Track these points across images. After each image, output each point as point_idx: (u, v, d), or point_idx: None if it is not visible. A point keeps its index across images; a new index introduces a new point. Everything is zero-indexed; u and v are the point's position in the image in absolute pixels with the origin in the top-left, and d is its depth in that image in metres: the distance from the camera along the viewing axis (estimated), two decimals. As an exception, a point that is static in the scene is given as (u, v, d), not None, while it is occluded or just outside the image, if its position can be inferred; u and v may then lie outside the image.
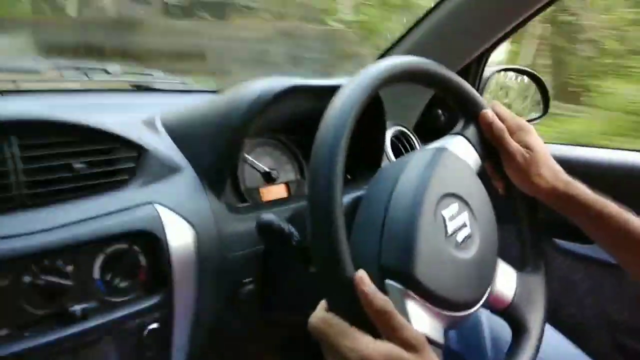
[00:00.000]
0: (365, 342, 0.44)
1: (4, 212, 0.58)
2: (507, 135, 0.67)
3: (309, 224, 0.49)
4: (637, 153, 1.06)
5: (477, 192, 0.64)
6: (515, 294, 0.65)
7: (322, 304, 0.50)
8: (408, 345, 0.44)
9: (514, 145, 0.67)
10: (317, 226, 0.48)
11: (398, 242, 0.54)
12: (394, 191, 0.58)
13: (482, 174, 0.68)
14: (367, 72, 0.57)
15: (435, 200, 0.58)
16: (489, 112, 0.68)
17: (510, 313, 0.66)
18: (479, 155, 0.69)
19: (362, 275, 0.47)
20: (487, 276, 0.62)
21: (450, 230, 0.58)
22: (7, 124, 0.59)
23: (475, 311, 0.59)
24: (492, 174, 0.73)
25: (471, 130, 0.70)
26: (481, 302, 0.60)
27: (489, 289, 0.62)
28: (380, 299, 0.46)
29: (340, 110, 0.52)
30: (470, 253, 0.59)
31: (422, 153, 0.64)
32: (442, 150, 0.65)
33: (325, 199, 0.48)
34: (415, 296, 0.52)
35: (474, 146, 0.69)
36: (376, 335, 0.46)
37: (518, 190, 0.71)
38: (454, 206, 0.60)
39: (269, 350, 1.07)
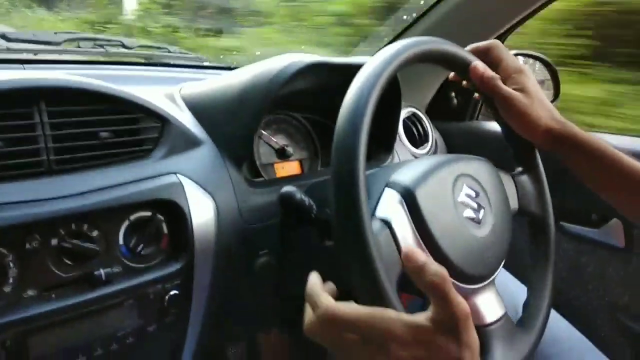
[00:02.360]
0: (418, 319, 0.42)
1: (32, 177, 0.60)
2: (499, 83, 0.66)
3: (333, 204, 0.50)
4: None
5: (502, 199, 0.66)
6: (493, 322, 0.62)
7: (323, 291, 0.49)
8: (459, 318, 0.41)
9: (507, 91, 0.66)
10: (341, 212, 0.49)
11: (412, 171, 0.58)
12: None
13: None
14: (390, 50, 0.58)
15: (460, 172, 0.62)
16: (478, 65, 0.66)
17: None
18: (518, 202, 0.71)
19: (408, 251, 0.44)
20: (477, 266, 0.60)
21: (463, 199, 0.60)
22: (37, 90, 0.60)
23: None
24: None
25: (523, 179, 0.73)
26: (456, 286, 0.56)
27: (473, 285, 0.60)
28: (435, 264, 0.43)
29: (364, 87, 0.53)
30: (476, 231, 0.60)
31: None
32: (487, 161, 0.68)
33: (349, 180, 0.49)
34: (407, 210, 0.55)
35: (518, 192, 0.71)
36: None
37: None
38: (477, 190, 0.63)
39: (276, 325, 1.09)
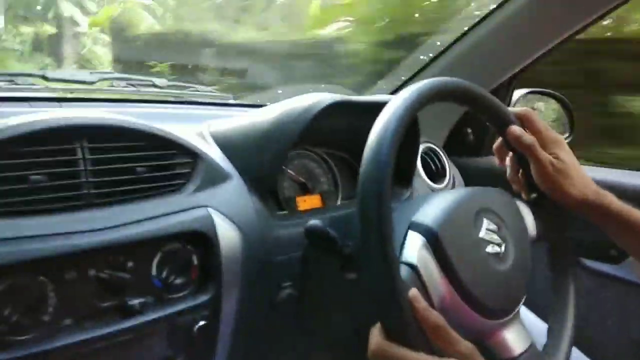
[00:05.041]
0: None
1: (72, 210, 0.62)
2: (537, 146, 0.68)
3: (361, 243, 0.52)
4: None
5: (521, 230, 0.68)
6: (522, 354, 0.63)
7: (376, 332, 0.52)
8: (464, 357, 0.47)
9: (544, 155, 0.68)
10: (370, 252, 0.51)
11: (433, 210, 0.60)
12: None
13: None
14: (413, 90, 0.60)
15: (480, 207, 0.63)
16: (515, 128, 0.69)
17: None
18: (537, 227, 0.72)
19: (414, 293, 0.51)
20: (503, 301, 0.63)
21: (485, 235, 0.62)
22: (80, 128, 0.64)
23: (473, 327, 0.59)
24: (522, 186, 0.75)
25: (540, 205, 0.74)
26: (485, 323, 0.60)
27: (501, 320, 0.62)
28: (434, 314, 0.50)
29: (388, 127, 0.55)
30: (500, 266, 0.62)
31: None
32: (504, 192, 0.70)
33: (377, 220, 0.51)
34: (432, 254, 0.57)
35: (535, 219, 0.73)
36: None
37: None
38: (497, 224, 0.64)
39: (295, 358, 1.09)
